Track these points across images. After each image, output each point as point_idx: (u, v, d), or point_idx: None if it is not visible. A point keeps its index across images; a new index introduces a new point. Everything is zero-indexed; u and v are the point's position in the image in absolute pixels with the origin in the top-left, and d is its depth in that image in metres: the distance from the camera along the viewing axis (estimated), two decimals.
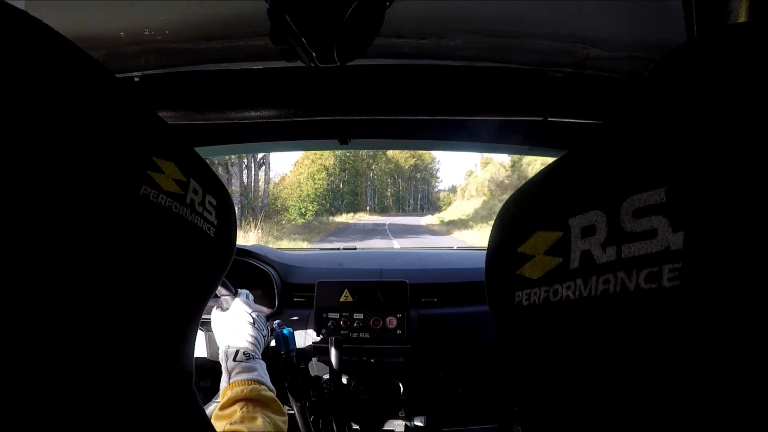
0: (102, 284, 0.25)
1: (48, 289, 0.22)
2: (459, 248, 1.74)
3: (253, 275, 1.23)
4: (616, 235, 0.20)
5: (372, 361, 1.13)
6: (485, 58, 0.55)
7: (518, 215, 0.27)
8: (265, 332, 0.78)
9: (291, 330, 0.99)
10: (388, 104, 0.64)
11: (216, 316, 0.77)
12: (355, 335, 1.14)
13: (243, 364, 0.65)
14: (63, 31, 0.24)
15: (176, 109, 0.63)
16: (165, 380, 0.30)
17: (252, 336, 0.72)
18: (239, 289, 0.82)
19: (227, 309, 0.78)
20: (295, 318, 1.19)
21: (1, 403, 0.21)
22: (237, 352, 0.67)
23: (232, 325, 0.73)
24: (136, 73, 0.58)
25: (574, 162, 0.24)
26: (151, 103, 0.60)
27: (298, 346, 1.05)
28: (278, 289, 1.22)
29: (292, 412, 1.14)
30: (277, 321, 0.98)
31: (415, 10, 0.47)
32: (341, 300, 1.16)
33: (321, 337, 1.14)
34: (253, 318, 0.75)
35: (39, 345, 0.22)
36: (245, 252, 1.27)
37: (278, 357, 0.97)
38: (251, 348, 0.70)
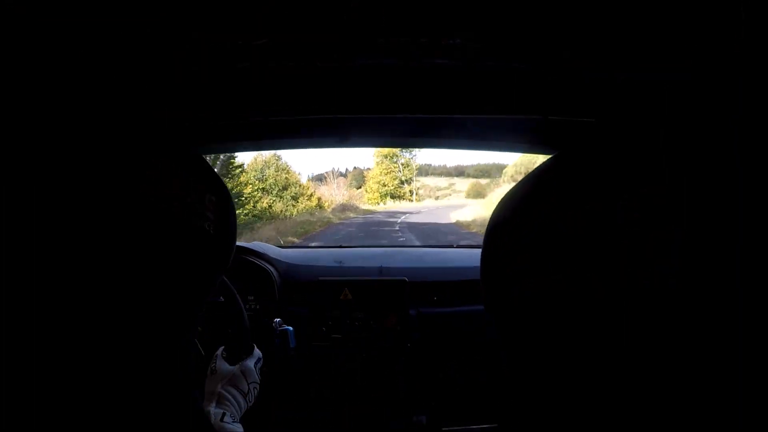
0: (101, 284, 0.25)
1: (47, 288, 0.22)
2: (458, 246, 1.74)
3: (253, 273, 1.23)
4: (610, 232, 0.20)
5: (372, 359, 1.13)
6: (485, 56, 0.55)
7: (513, 213, 0.27)
8: (251, 404, 0.79)
9: (291, 329, 0.99)
10: (388, 103, 0.64)
11: (218, 365, 0.77)
12: (354, 333, 1.14)
13: (229, 427, 0.68)
14: (62, 30, 0.24)
15: (176, 109, 0.62)
16: (163, 378, 0.30)
17: (239, 406, 0.75)
18: (255, 350, 0.82)
19: (233, 363, 0.78)
20: (295, 316, 1.19)
21: (2, 402, 0.21)
22: (224, 414, 0.70)
23: (226, 388, 0.75)
24: (136, 73, 0.58)
25: (568, 161, 0.24)
26: (151, 103, 0.60)
27: (297, 343, 1.06)
28: (278, 286, 1.22)
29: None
30: (277, 319, 0.99)
31: (414, 9, 0.47)
32: (341, 298, 1.17)
33: (321, 335, 1.15)
34: (248, 389, 0.77)
35: (38, 343, 0.22)
36: (245, 250, 1.27)
37: (278, 355, 0.97)
38: (235, 414, 0.73)
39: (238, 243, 1.29)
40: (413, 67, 0.62)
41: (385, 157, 33.52)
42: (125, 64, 0.56)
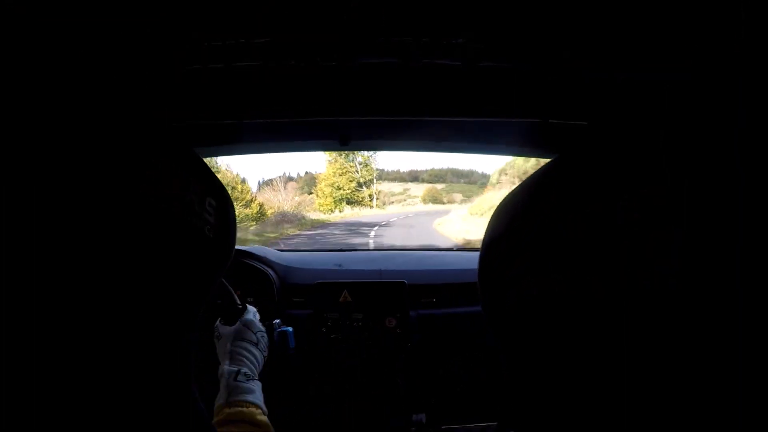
0: (101, 284, 0.25)
1: (47, 289, 0.22)
2: (458, 249, 1.74)
3: (252, 276, 1.23)
4: (609, 234, 0.20)
5: (372, 358, 1.13)
6: (485, 58, 0.56)
7: (511, 215, 0.27)
8: (266, 353, 0.79)
9: (291, 329, 0.99)
10: (389, 105, 0.64)
11: (221, 330, 0.78)
12: (354, 335, 1.15)
13: (243, 385, 0.67)
14: (62, 29, 0.24)
15: (176, 109, 0.63)
16: (163, 379, 0.30)
17: (254, 357, 0.74)
18: (248, 306, 0.82)
19: (233, 324, 0.78)
20: (294, 318, 1.19)
21: (2, 403, 0.21)
22: (238, 371, 0.69)
23: (235, 343, 0.75)
24: (136, 72, 0.58)
25: (568, 162, 0.24)
26: (151, 103, 0.60)
27: (297, 344, 1.05)
28: (277, 289, 1.22)
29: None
30: (277, 320, 0.99)
31: (415, 9, 0.47)
32: (340, 300, 1.17)
33: (320, 336, 1.14)
34: (257, 338, 0.77)
35: (39, 345, 0.22)
36: (244, 253, 1.27)
37: (278, 356, 0.97)
38: (252, 369, 0.72)
39: (238, 246, 1.29)
40: (414, 69, 0.62)
41: (340, 154, 26.20)
42: (125, 64, 0.57)
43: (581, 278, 0.21)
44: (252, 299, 1.22)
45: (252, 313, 0.81)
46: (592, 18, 0.46)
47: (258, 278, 1.23)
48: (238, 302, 0.80)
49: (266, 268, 1.25)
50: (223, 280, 0.81)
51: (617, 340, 0.19)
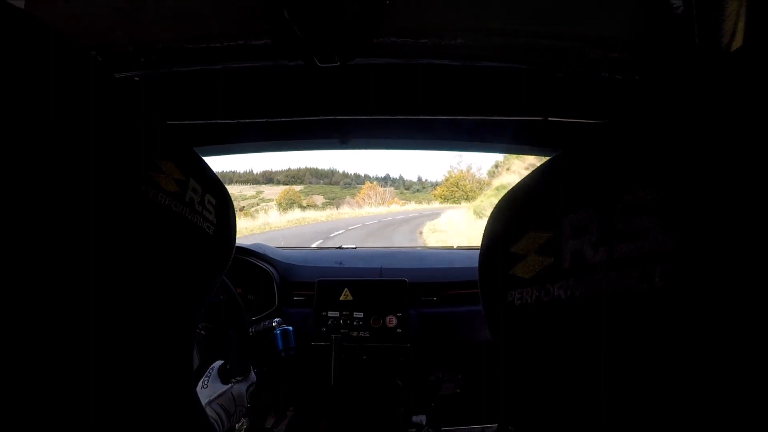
0: (101, 281, 0.25)
1: (48, 286, 0.22)
2: (459, 247, 1.74)
3: (253, 274, 1.23)
4: (608, 235, 0.20)
5: (371, 358, 1.13)
6: (485, 57, 0.56)
7: (510, 215, 0.27)
8: (232, 427, 0.78)
9: (291, 328, 0.99)
10: (388, 104, 0.64)
11: (211, 381, 0.77)
12: (354, 334, 1.15)
13: None
14: (63, 31, 0.24)
15: (176, 109, 0.63)
16: (163, 377, 0.30)
17: (224, 425, 0.74)
18: (251, 373, 0.82)
19: (226, 381, 0.77)
20: (295, 316, 1.19)
21: (6, 402, 0.21)
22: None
23: (214, 405, 0.74)
24: (136, 73, 0.58)
25: (566, 162, 0.24)
26: (151, 103, 0.60)
27: (297, 343, 1.06)
28: (278, 287, 1.22)
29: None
30: (277, 319, 0.99)
31: (414, 10, 0.47)
32: (341, 299, 1.17)
33: (321, 335, 1.15)
34: (234, 411, 0.76)
35: (39, 344, 0.22)
36: (245, 250, 1.27)
37: (278, 356, 0.97)
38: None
39: (238, 244, 1.29)
40: (414, 69, 0.62)
41: None
42: (126, 64, 0.57)
43: (578, 278, 0.21)
44: (253, 296, 1.22)
45: (248, 383, 0.80)
46: (591, 18, 0.46)
47: (259, 275, 1.23)
48: (247, 368, 0.79)
49: (267, 265, 1.25)
50: (252, 329, 0.79)
51: (610, 341, 0.19)
